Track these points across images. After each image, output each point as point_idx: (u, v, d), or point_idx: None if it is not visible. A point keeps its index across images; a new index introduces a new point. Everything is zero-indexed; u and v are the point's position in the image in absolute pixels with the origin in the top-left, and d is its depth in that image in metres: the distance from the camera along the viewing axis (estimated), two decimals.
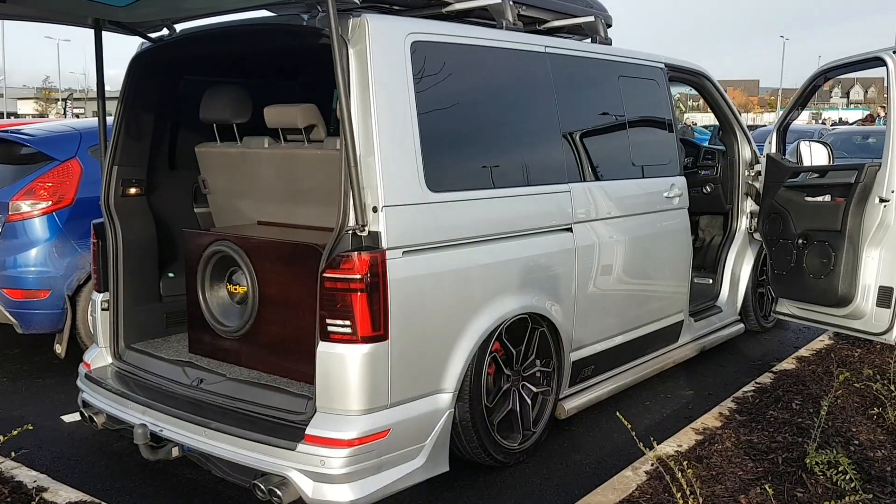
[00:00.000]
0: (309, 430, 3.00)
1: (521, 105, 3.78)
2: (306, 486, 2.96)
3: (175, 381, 3.62)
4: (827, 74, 5.10)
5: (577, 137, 4.09)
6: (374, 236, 3.00)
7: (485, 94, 3.56)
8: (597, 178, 4.18)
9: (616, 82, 4.43)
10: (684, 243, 4.91)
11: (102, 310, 3.95)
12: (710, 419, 3.96)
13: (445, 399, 3.30)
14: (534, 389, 3.83)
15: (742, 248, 5.81)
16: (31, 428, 3.36)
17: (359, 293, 2.95)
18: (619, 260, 4.28)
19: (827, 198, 4.84)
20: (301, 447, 2.98)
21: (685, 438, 3.70)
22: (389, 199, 3.03)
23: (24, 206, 5.12)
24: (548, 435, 3.96)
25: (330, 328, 3.00)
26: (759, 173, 5.61)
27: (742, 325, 5.80)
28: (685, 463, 3.05)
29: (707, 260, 5.97)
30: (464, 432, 3.46)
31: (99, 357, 3.96)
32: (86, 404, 3.79)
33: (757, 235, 5.60)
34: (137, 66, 3.91)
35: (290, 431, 3.07)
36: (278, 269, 3.48)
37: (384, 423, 3.06)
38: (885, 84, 4.52)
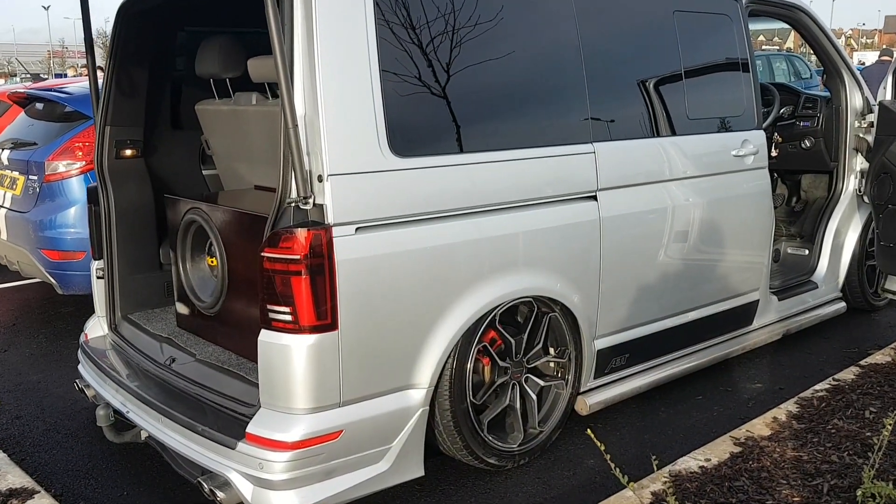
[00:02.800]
0: (249, 429, 2.68)
1: (529, 43, 3.17)
2: (246, 490, 2.65)
3: (152, 358, 3.42)
4: None
5: (609, 88, 3.43)
6: (320, 210, 2.58)
7: (476, 29, 2.98)
8: (635, 136, 3.51)
9: (670, 18, 3.69)
10: (761, 210, 4.13)
11: (98, 278, 3.80)
12: (759, 425, 3.29)
13: (417, 396, 2.87)
14: (540, 383, 3.32)
15: (848, 214, 4.91)
16: None
17: (300, 276, 2.55)
18: (664, 232, 3.62)
19: None
20: (241, 446, 2.67)
21: (718, 450, 3.07)
22: (338, 167, 2.59)
23: (61, 166, 5.09)
24: (565, 434, 3.45)
25: (270, 315, 2.64)
26: (871, 125, 4.67)
27: (843, 304, 4.94)
28: (695, 485, 2.47)
29: (806, 227, 5.10)
30: (445, 433, 3.03)
31: (96, 327, 3.83)
32: (80, 375, 3.68)
33: (866, 199, 4.69)
34: (125, 15, 3.63)
35: (234, 427, 2.76)
36: (245, 242, 3.14)
37: (335, 424, 2.68)
38: None
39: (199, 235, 3.44)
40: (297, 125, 2.50)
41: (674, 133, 3.66)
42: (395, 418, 2.82)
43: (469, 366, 3.01)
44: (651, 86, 3.60)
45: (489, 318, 3.05)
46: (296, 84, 2.56)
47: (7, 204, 5.43)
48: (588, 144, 3.28)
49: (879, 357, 4.07)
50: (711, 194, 3.82)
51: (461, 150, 2.93)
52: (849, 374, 3.84)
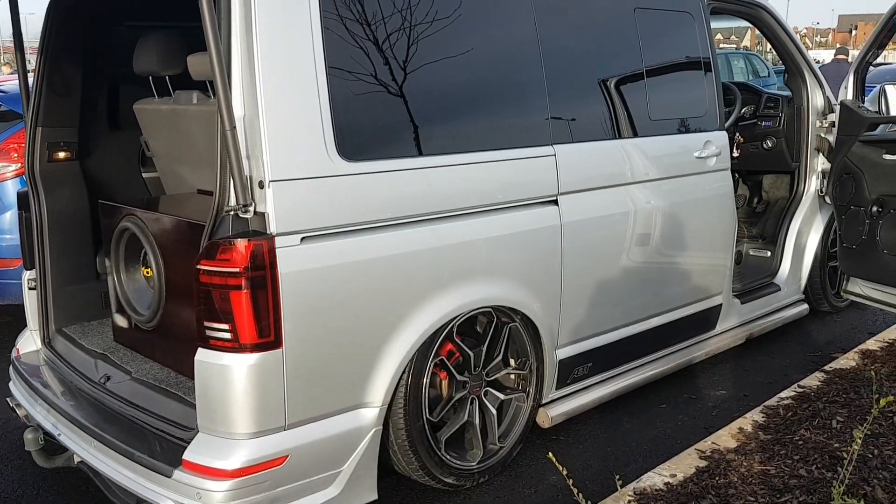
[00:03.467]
0: (186, 455, 2.48)
1: (487, 41, 3.01)
2: None
3: (85, 376, 3.19)
4: None
5: (569, 88, 3.29)
6: (261, 218, 2.39)
7: (432, 26, 2.81)
8: (596, 138, 3.38)
9: (630, 16, 3.57)
10: (723, 212, 4.04)
11: (30, 289, 3.55)
12: (725, 436, 3.19)
13: (370, 415, 2.70)
14: (500, 396, 3.17)
15: (810, 215, 4.86)
16: None
17: (239, 290, 2.36)
18: (626, 237, 3.50)
19: None
20: (177, 474, 2.47)
21: (684, 465, 2.96)
22: (281, 172, 2.40)
23: None
24: (526, 448, 3.31)
25: (208, 332, 2.44)
26: (833, 124, 4.62)
27: (806, 307, 4.89)
28: None
29: (767, 229, 5.04)
30: (400, 452, 2.86)
31: (29, 341, 3.57)
32: (11, 394, 3.43)
33: (828, 199, 4.64)
34: (57, 8, 3.39)
35: (170, 453, 2.56)
36: (183, 251, 2.92)
37: (279, 449, 2.49)
38: None
39: (133, 244, 3.22)
40: (235, 127, 2.31)
41: (636, 134, 3.54)
42: (346, 440, 2.65)
43: (425, 381, 2.85)
44: (612, 85, 3.48)
45: (446, 331, 2.89)
46: (234, 82, 2.37)
47: None
48: (548, 147, 3.14)
49: (844, 362, 4.01)
50: (674, 197, 3.72)
51: (415, 154, 2.76)
52: (814, 380, 3.77)
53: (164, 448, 2.60)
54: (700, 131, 3.88)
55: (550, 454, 2.33)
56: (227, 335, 2.39)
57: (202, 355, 2.45)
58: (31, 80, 3.51)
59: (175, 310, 3.00)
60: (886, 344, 4.21)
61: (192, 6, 2.89)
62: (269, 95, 2.37)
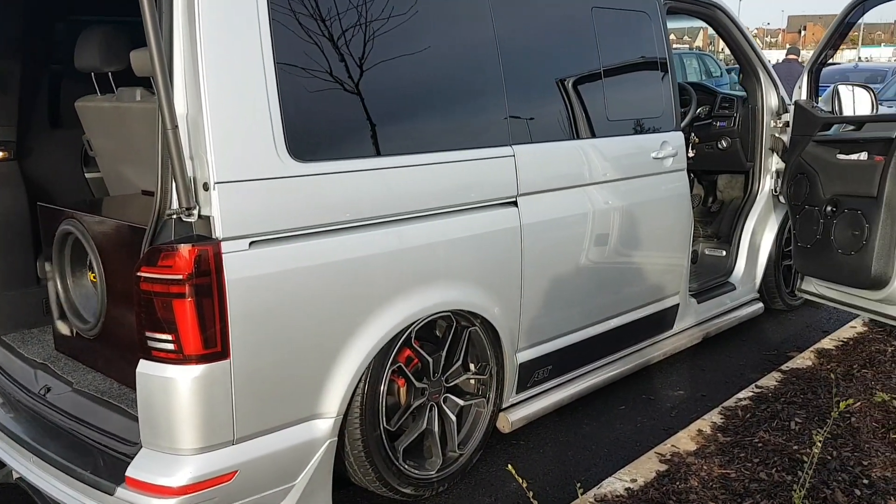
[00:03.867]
0: (129, 472, 2.35)
1: (442, 45, 2.93)
2: None
3: (25, 387, 3.03)
4: (867, 2, 4.07)
5: (528, 87, 3.23)
6: (206, 222, 2.27)
7: (388, 22, 2.72)
8: (555, 139, 3.33)
9: (588, 15, 3.53)
10: (680, 212, 4.04)
11: None
12: (684, 439, 3.17)
13: (324, 427, 2.60)
14: (460, 402, 3.10)
15: (764, 214, 4.89)
16: None
17: (183, 298, 2.24)
18: (585, 238, 3.45)
19: (863, 156, 3.90)
20: (120, 492, 2.34)
21: (644, 469, 2.93)
22: (227, 173, 2.28)
23: None
24: (487, 454, 3.25)
25: (150, 343, 2.31)
26: (787, 124, 4.66)
27: (761, 305, 4.92)
28: None
29: (723, 228, 5.07)
30: (356, 464, 2.77)
31: None
32: None
33: (782, 199, 4.68)
34: None
35: (113, 469, 2.42)
36: (126, 256, 2.78)
37: (228, 464, 2.38)
38: None
39: (77, 248, 3.06)
40: (177, 126, 2.18)
41: (594, 135, 3.50)
42: (299, 453, 2.54)
43: (382, 389, 2.76)
44: (570, 85, 3.43)
45: (404, 336, 2.80)
46: (176, 78, 2.24)
47: None
48: (507, 147, 3.08)
49: (800, 361, 4.04)
50: (632, 198, 3.69)
51: (371, 154, 2.66)
52: (771, 380, 3.78)
53: (106, 464, 2.47)
54: (657, 132, 3.87)
55: (510, 466, 2.26)
56: (171, 346, 2.27)
57: (144, 367, 2.32)
58: None
59: (119, 318, 2.86)
60: (841, 343, 4.26)
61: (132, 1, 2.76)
62: (213, 92, 2.25)
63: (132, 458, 2.38)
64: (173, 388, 2.28)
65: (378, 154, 2.68)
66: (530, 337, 3.28)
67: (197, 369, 2.27)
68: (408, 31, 2.79)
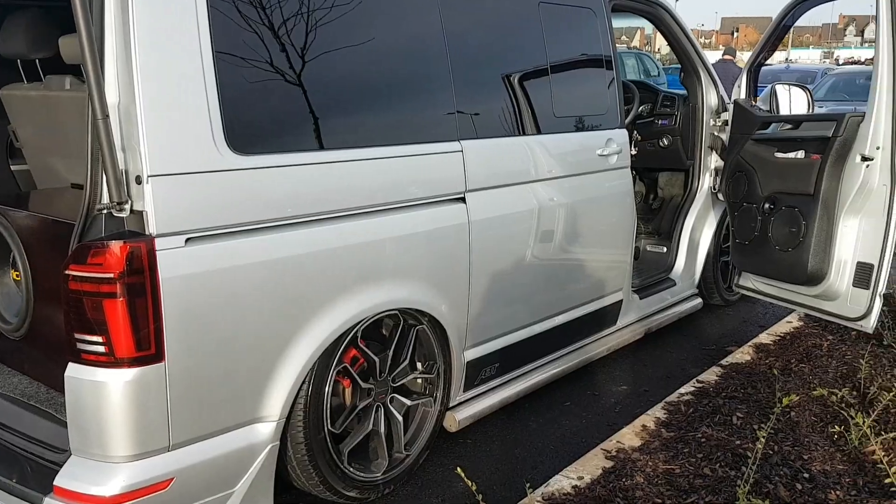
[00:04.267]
0: (58, 481, 2.21)
1: (388, 37, 2.86)
2: None
3: None
4: (802, 5, 4.18)
5: (476, 81, 3.18)
6: (139, 217, 2.15)
7: (333, 11, 2.63)
8: (503, 134, 3.29)
9: (535, 10, 3.50)
10: (624, 209, 4.06)
11: None
12: (629, 435, 3.18)
13: (265, 431, 2.50)
14: (407, 402, 3.04)
15: (703, 211, 4.97)
16: None
17: (114, 298, 2.11)
18: (532, 235, 3.43)
19: (800, 154, 4.00)
20: (48, 502, 2.20)
21: (590, 466, 2.92)
22: (161, 166, 2.17)
23: None
24: (434, 454, 3.20)
25: (79, 345, 2.18)
26: (726, 123, 4.74)
27: (700, 301, 5.01)
28: None
29: (663, 225, 5.13)
30: (299, 468, 2.68)
31: None
32: None
33: (721, 196, 4.77)
34: None
35: (41, 478, 2.28)
36: (54, 252, 2.62)
37: (163, 472, 2.26)
38: (875, 16, 3.61)
39: (1, 244, 2.87)
40: (108, 116, 2.06)
41: (541, 131, 3.48)
42: (239, 458, 2.44)
43: (327, 390, 2.67)
44: (517, 81, 3.40)
45: (350, 336, 2.72)
46: (107, 65, 2.11)
47: None
48: (456, 142, 3.02)
49: (739, 356, 4.11)
50: (578, 194, 3.68)
51: (315, 148, 2.57)
52: (712, 374, 3.84)
53: (33, 472, 2.33)
54: (602, 129, 3.87)
55: (459, 469, 2.21)
56: (101, 348, 2.14)
57: (73, 371, 2.19)
58: None
59: (46, 318, 2.70)
60: (778, 338, 4.36)
61: None
62: (147, 81, 2.13)
63: (61, 467, 2.25)
64: (104, 392, 2.15)
65: (322, 148, 2.59)
66: (478, 334, 3.25)
67: (129, 373, 2.15)
68: (353, 22, 2.71)
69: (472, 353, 3.26)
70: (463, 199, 3.07)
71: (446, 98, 3.02)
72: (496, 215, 3.22)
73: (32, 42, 2.92)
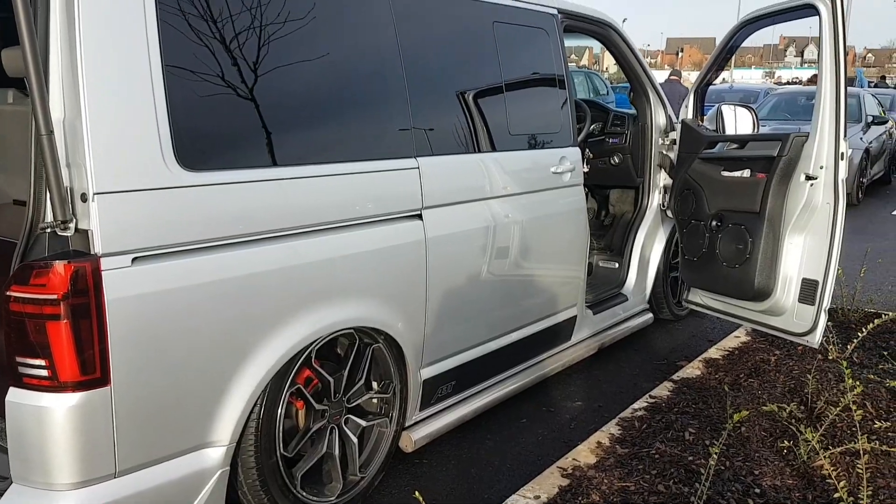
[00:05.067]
0: None
1: (343, 52, 2.84)
2: None
3: None
4: (749, 27, 4.30)
5: (431, 99, 3.18)
6: (84, 236, 2.08)
7: (286, 27, 2.60)
8: (459, 151, 3.30)
9: (489, 29, 3.53)
10: (578, 226, 4.10)
11: None
12: (584, 452, 3.19)
13: (216, 455, 2.43)
14: (362, 423, 2.99)
15: (653, 228, 5.05)
16: None
17: (58, 320, 2.03)
18: (488, 251, 3.43)
19: (746, 173, 4.09)
20: None
21: (547, 485, 2.92)
22: (108, 183, 2.10)
23: None
24: (389, 475, 3.15)
25: (21, 369, 2.09)
26: (674, 142, 4.83)
27: (651, 315, 5.08)
28: None
29: (615, 241, 5.20)
30: (250, 493, 2.60)
31: None
32: None
33: (669, 213, 4.85)
34: None
35: None
36: None
37: (109, 499, 2.17)
38: (818, 36, 3.73)
39: None
40: (52, 131, 1.99)
41: (495, 149, 3.50)
42: (188, 485, 2.36)
43: (280, 413, 2.61)
44: (473, 99, 3.41)
45: (304, 356, 2.67)
46: (52, 79, 2.04)
47: None
48: (412, 159, 3.01)
49: (690, 370, 4.17)
50: (532, 211, 3.70)
51: (267, 164, 2.53)
52: (664, 390, 3.88)
53: None
54: (556, 147, 3.91)
55: (416, 493, 2.18)
56: (44, 372, 2.05)
57: (14, 395, 2.09)
58: None
59: None
60: (727, 352, 4.44)
61: None
62: (93, 95, 2.07)
63: (1, 495, 2.13)
64: (47, 417, 2.06)
65: (274, 164, 2.55)
66: (434, 352, 3.22)
67: (73, 397, 2.07)
68: (307, 36, 2.68)
69: (428, 372, 3.23)
70: (419, 216, 3.06)
71: (402, 115, 3.01)
72: (453, 232, 3.21)
73: None
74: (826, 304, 3.67)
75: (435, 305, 3.16)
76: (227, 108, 2.43)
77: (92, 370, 2.08)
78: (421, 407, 3.27)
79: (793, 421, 3.29)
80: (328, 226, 2.68)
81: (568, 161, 3.93)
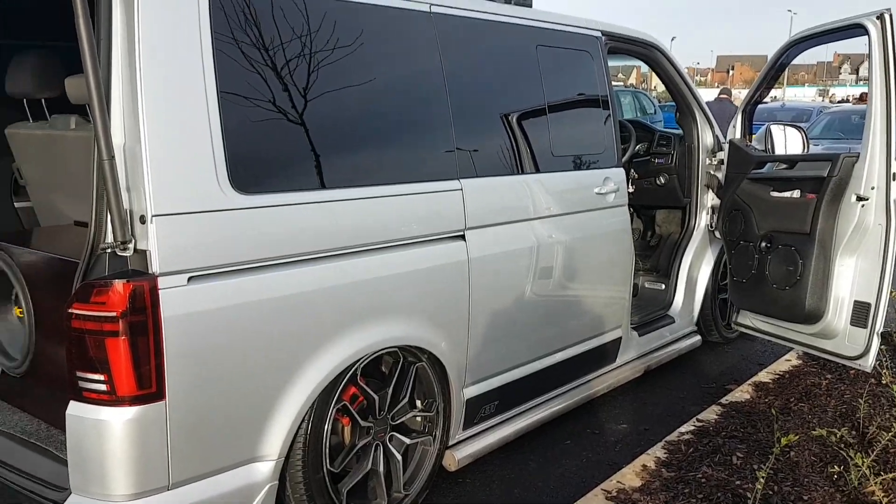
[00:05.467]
0: None
1: (389, 78, 2.92)
2: None
3: None
4: (798, 46, 4.26)
5: (475, 122, 3.24)
6: (142, 257, 2.18)
7: (335, 53, 2.69)
8: (502, 173, 3.34)
9: (533, 52, 3.58)
10: (622, 247, 4.09)
11: None
12: (629, 475, 3.17)
13: (265, 470, 2.49)
14: (406, 441, 3.03)
15: (701, 249, 5.00)
16: None
17: (116, 337, 2.13)
18: (531, 272, 3.45)
19: (795, 193, 4.04)
20: None
21: None
22: (165, 206, 2.20)
23: None
24: (433, 493, 3.18)
25: (81, 383, 2.19)
26: (722, 162, 4.79)
27: (699, 338, 5.01)
28: None
29: (661, 262, 5.16)
30: None
31: None
32: None
33: (717, 234, 4.81)
34: None
35: None
36: (57, 290, 2.65)
37: None
38: (868, 55, 3.69)
39: (5, 281, 2.89)
40: (113, 156, 2.10)
41: (539, 170, 3.53)
42: (238, 498, 2.43)
43: (326, 429, 2.67)
44: (516, 121, 3.46)
45: (350, 374, 2.73)
46: (113, 106, 2.15)
47: None
48: (455, 181, 3.07)
49: (738, 394, 4.11)
50: (576, 232, 3.72)
51: (316, 187, 2.61)
52: (711, 413, 3.83)
53: None
54: (599, 168, 3.92)
55: None
56: (103, 387, 2.15)
57: (75, 409, 2.19)
58: None
59: (48, 355, 2.71)
60: (777, 376, 4.35)
61: (71, 24, 2.67)
62: (152, 122, 2.17)
63: None
64: (105, 430, 2.15)
65: (323, 187, 2.63)
66: (477, 372, 3.25)
67: (130, 411, 2.16)
68: (355, 62, 2.77)
69: (471, 391, 3.26)
70: (462, 237, 3.11)
71: (446, 137, 3.07)
72: (496, 253, 3.25)
73: (38, 82, 2.98)
74: (879, 327, 3.59)
75: (478, 325, 3.19)
76: (278, 134, 2.52)
77: (148, 385, 2.17)
78: (464, 426, 3.29)
79: (843, 446, 3.21)
80: (373, 246, 2.75)
81: (612, 182, 3.94)
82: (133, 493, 2.20)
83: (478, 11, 3.31)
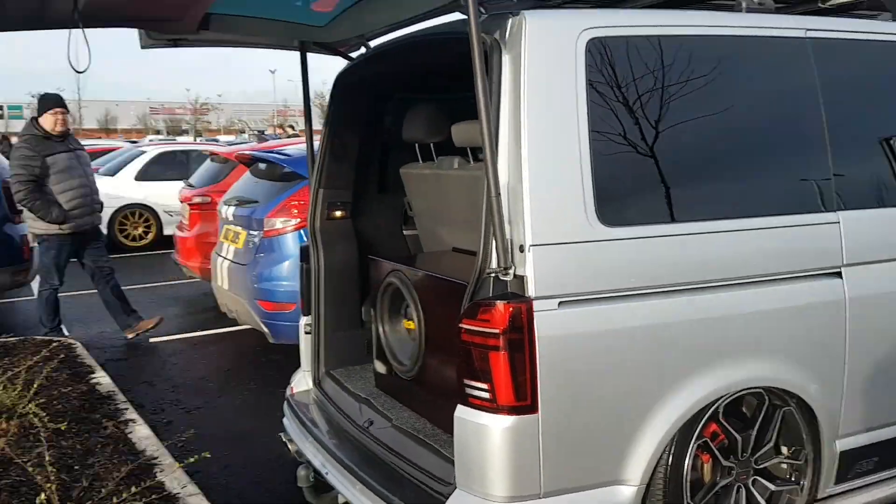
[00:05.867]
0: None
1: (756, 99, 2.83)
2: None
3: (351, 419, 3.41)
4: None
5: (853, 150, 2.98)
6: (520, 281, 2.41)
7: (693, 88, 2.70)
8: (885, 205, 3.02)
9: None
10: None
11: (305, 333, 3.91)
12: None
13: (627, 493, 2.56)
14: (770, 487, 2.86)
15: None
16: (207, 456, 3.38)
17: (498, 351, 2.39)
18: None
19: None
20: None
21: None
22: (541, 236, 2.41)
23: (278, 223, 5.42)
24: None
25: (468, 390, 2.49)
26: None
27: None
28: None
29: None
30: None
31: (302, 381, 3.93)
32: (285, 429, 3.77)
33: None
34: (339, 86, 3.79)
35: (428, 503, 2.62)
36: (442, 307, 3.05)
37: None
38: None
39: (396, 297, 3.42)
40: (500, 193, 2.37)
41: None
42: None
43: (687, 463, 2.65)
44: None
45: (711, 410, 2.68)
46: (500, 151, 2.44)
47: (230, 256, 5.87)
48: (832, 213, 2.85)
49: None
50: None
51: (677, 220, 2.64)
52: None
53: (422, 499, 2.68)
54: None
55: None
56: (486, 395, 2.42)
57: (462, 412, 2.50)
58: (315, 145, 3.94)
59: (433, 363, 3.13)
60: None
61: (454, 81, 3.08)
62: (533, 163, 2.41)
63: (446, 498, 2.55)
64: (487, 434, 2.42)
65: (688, 220, 2.64)
66: (854, 423, 2.95)
67: (508, 419, 2.39)
68: (717, 92, 2.75)
69: (845, 443, 2.96)
70: (839, 274, 2.86)
71: (821, 166, 2.87)
72: (878, 292, 2.93)
73: (429, 129, 3.48)
74: None
75: (856, 372, 2.90)
76: (641, 169, 2.61)
77: (524, 397, 2.39)
78: (836, 480, 2.99)
79: None
80: (735, 281, 2.67)
81: None
82: (510, 496, 2.42)
83: (860, 32, 3.05)
